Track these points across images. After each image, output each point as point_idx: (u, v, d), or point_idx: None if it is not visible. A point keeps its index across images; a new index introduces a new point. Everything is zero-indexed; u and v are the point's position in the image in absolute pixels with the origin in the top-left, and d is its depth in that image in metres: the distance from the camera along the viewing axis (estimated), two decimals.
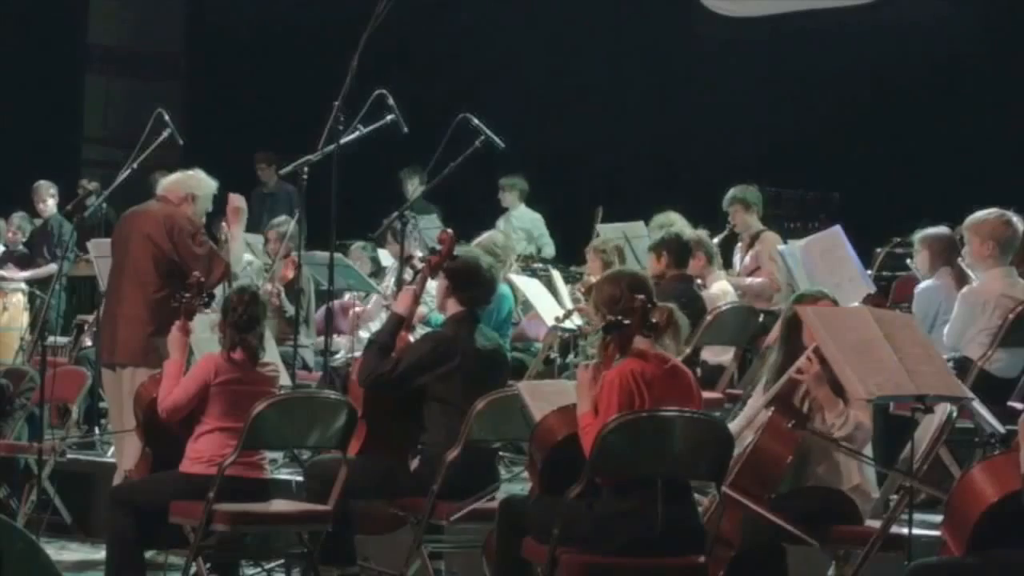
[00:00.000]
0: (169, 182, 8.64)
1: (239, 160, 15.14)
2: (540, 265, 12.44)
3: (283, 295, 10.50)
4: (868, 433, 6.17)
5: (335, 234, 9.07)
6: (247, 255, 11.55)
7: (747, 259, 10.80)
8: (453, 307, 7.07)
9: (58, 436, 8.96)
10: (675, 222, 10.15)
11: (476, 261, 7.10)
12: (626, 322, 5.88)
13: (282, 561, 7.33)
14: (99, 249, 10.62)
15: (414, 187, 12.62)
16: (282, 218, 11.65)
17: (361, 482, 6.83)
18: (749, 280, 10.52)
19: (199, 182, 8.62)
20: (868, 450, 6.28)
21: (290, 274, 10.49)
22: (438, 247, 7.22)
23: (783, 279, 9.96)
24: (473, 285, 7.06)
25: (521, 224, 13.37)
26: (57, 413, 10.03)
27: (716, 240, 10.79)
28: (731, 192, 10.96)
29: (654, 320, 5.94)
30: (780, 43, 13.86)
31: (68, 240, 12.35)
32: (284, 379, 8.28)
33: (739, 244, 11.07)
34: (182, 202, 8.50)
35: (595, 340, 6.13)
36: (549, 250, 13.30)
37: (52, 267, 12.83)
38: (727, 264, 11.05)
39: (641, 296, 5.93)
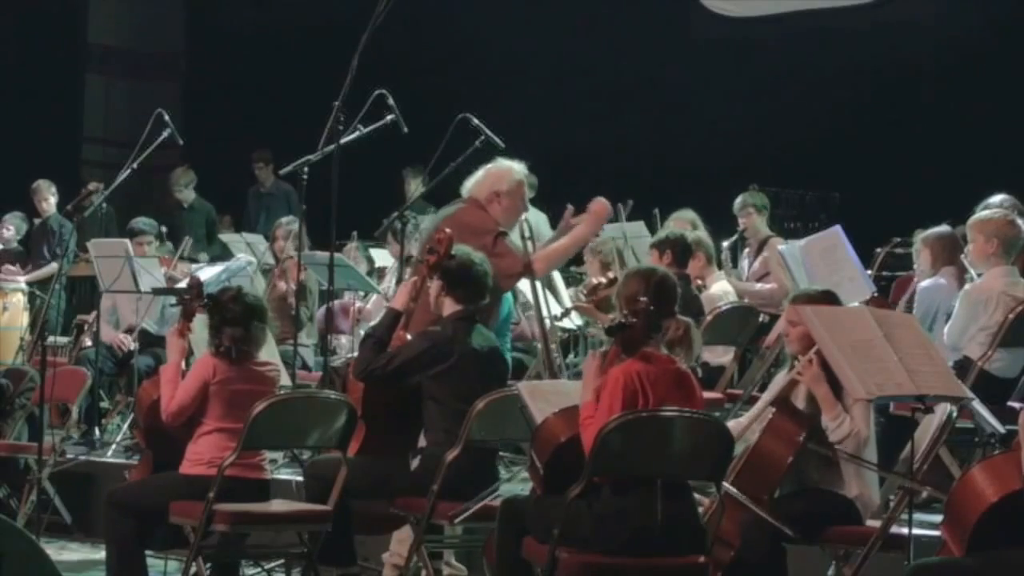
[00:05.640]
0: (472, 182, 7.99)
1: (238, 160, 15.16)
2: None
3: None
4: (862, 441, 6.16)
5: (335, 234, 9.06)
6: (246, 255, 11.59)
7: (756, 264, 10.81)
8: (450, 306, 7.07)
9: (58, 436, 8.98)
10: (694, 220, 10.20)
11: (468, 258, 7.09)
12: (631, 323, 5.87)
13: (282, 561, 7.33)
14: (99, 249, 10.64)
15: (416, 187, 12.62)
16: (289, 217, 11.74)
17: (361, 482, 6.83)
18: (759, 286, 10.52)
19: (501, 175, 7.95)
20: (871, 455, 6.28)
21: (303, 276, 10.50)
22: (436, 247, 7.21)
23: (790, 284, 9.96)
24: (466, 282, 7.06)
25: (530, 221, 13.36)
26: (57, 413, 10.04)
27: (727, 243, 10.82)
28: (743, 196, 11.00)
29: (659, 323, 5.93)
30: (780, 43, 13.87)
31: (68, 240, 12.36)
32: (284, 379, 8.29)
33: (746, 249, 11.09)
34: (492, 201, 7.89)
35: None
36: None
37: (52, 267, 12.84)
38: (736, 266, 11.07)
39: (645, 299, 5.92)
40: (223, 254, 13.12)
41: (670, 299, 6.08)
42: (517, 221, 8.12)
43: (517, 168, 8.03)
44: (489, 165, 8.07)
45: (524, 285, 10.47)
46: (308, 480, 7.19)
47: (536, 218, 13.36)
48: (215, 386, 6.88)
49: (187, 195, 14.21)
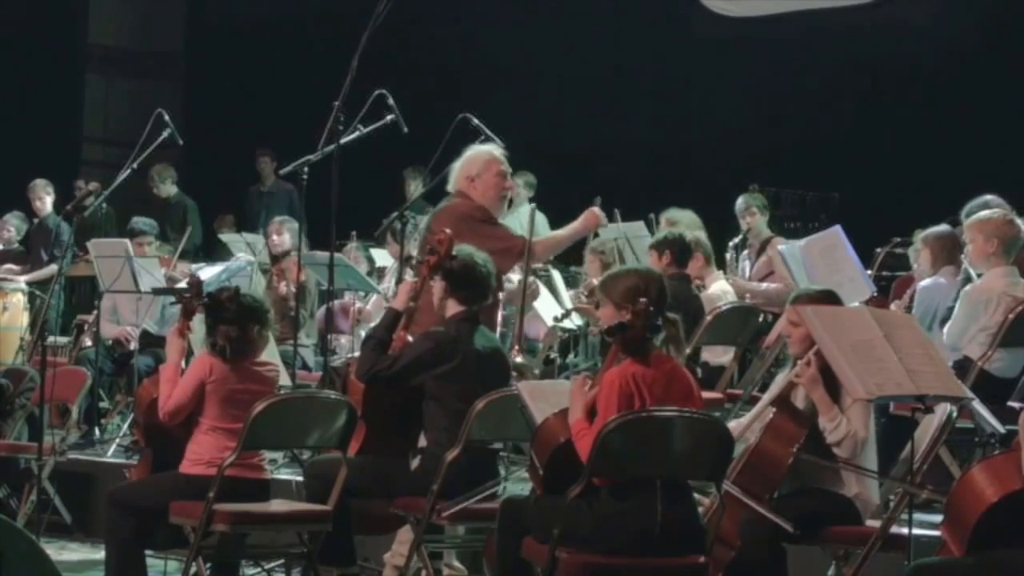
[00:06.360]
0: (452, 175, 7.98)
1: (238, 160, 15.17)
2: (540, 265, 12.42)
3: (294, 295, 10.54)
4: (859, 443, 6.16)
5: (335, 234, 9.06)
6: (247, 255, 11.59)
7: (759, 264, 10.81)
8: (453, 307, 7.06)
9: (58, 436, 8.98)
10: (682, 219, 10.18)
11: (471, 258, 7.09)
12: (632, 324, 5.87)
13: (282, 561, 7.33)
14: (99, 249, 10.64)
15: (416, 187, 12.62)
16: (285, 216, 11.75)
17: (361, 482, 6.83)
18: (765, 286, 10.50)
19: (470, 160, 7.95)
20: (871, 455, 6.28)
21: (303, 276, 10.50)
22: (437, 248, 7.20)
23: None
24: (470, 284, 7.05)
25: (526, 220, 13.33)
26: (57, 413, 10.04)
27: (733, 242, 10.82)
28: (744, 197, 11.00)
29: (657, 323, 5.94)
30: (780, 43, 13.87)
31: (67, 240, 12.35)
32: (284, 379, 8.28)
33: (746, 250, 11.09)
34: (469, 188, 7.90)
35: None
36: None
37: (52, 268, 12.83)
38: (738, 266, 11.07)
39: (644, 299, 5.93)
40: (204, 247, 13.17)
41: (666, 299, 6.11)
42: (502, 202, 8.09)
43: (487, 149, 8.07)
44: (467, 151, 8.09)
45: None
46: (308, 480, 7.19)
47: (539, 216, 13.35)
48: (211, 385, 6.87)
49: (167, 190, 14.22)
